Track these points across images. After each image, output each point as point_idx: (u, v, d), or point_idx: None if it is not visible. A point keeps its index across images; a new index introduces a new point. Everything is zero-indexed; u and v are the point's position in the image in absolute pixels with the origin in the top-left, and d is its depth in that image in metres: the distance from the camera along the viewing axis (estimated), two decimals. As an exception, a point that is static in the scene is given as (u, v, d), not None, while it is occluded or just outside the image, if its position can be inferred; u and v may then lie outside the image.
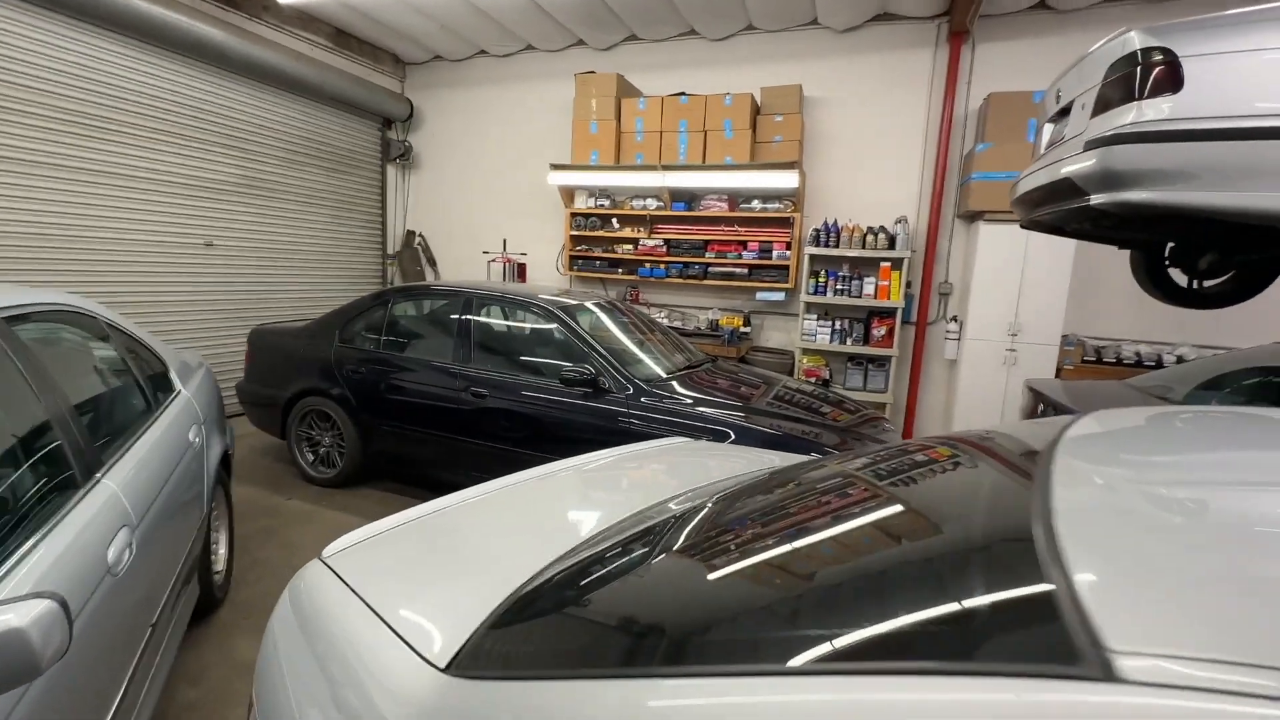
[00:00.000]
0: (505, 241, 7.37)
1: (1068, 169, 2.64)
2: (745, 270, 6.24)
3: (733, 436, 3.18)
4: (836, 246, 5.88)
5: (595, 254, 6.81)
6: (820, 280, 5.95)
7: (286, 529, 3.89)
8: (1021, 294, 5.30)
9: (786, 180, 5.74)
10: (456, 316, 4.21)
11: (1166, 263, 3.59)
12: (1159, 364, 5.21)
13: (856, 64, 6.02)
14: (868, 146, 6.08)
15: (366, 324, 4.51)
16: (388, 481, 4.66)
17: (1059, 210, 2.91)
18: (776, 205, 6.06)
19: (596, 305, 4.36)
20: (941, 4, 5.47)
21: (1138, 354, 5.35)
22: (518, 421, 3.71)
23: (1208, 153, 2.25)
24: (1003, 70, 5.56)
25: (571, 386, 3.49)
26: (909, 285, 5.84)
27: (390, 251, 8.20)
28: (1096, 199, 2.52)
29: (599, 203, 6.78)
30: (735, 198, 6.29)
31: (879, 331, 5.83)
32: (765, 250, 6.13)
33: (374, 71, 7.58)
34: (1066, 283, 5.18)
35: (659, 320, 6.09)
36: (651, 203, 6.54)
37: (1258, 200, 2.23)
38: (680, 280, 6.48)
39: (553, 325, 3.92)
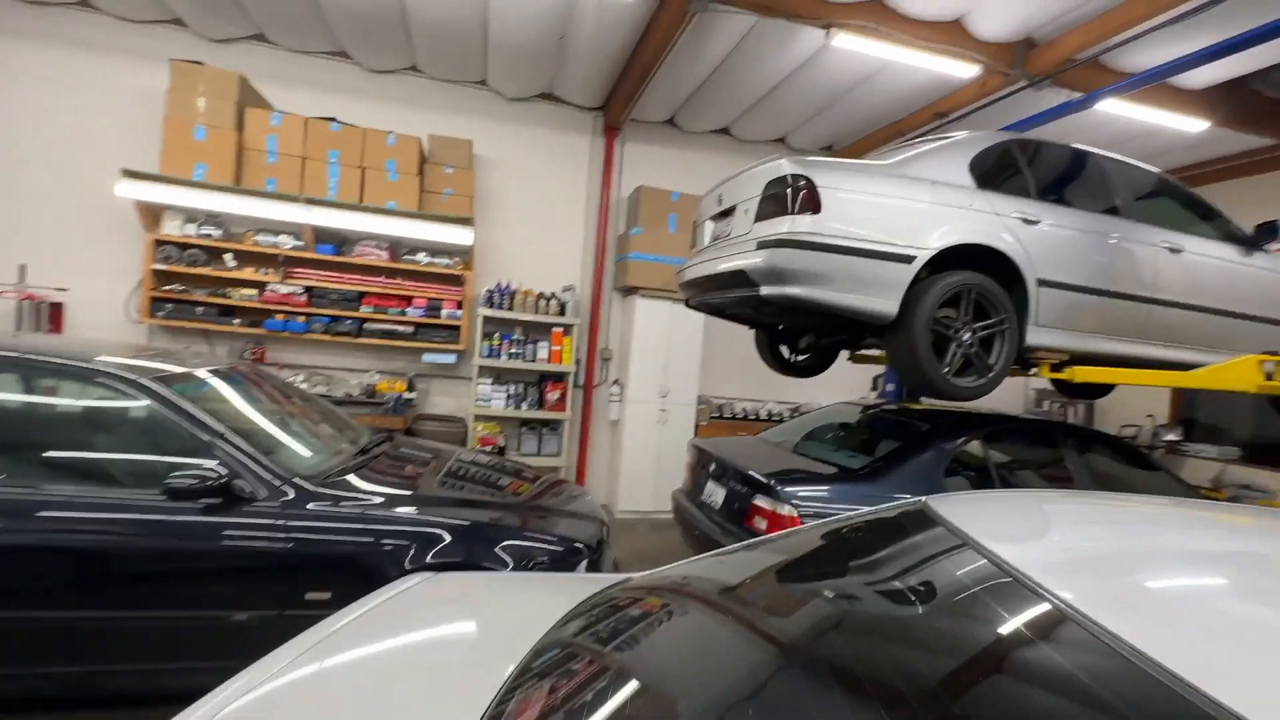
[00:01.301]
0: (24, 269, 4.93)
1: (742, 263, 3.04)
2: (411, 329, 5.55)
3: (447, 539, 2.57)
4: (510, 309, 5.75)
5: (196, 297, 5.11)
6: (494, 343, 5.71)
7: None
8: (669, 361, 6.07)
9: (462, 236, 5.39)
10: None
11: (779, 341, 4.55)
12: (758, 417, 6.61)
13: (527, 134, 6.16)
14: (538, 213, 6.23)
15: None
16: None
17: (730, 296, 3.34)
18: (446, 261, 5.62)
19: (213, 371, 3.12)
20: (598, 99, 6.06)
21: (744, 410, 6.69)
22: (76, 567, 2.27)
23: (838, 263, 2.86)
24: (648, 168, 6.46)
25: (185, 498, 2.32)
26: (577, 350, 6.09)
27: None
28: (765, 290, 2.95)
29: (204, 231, 5.15)
30: (397, 247, 5.60)
31: (553, 395, 5.88)
32: (434, 308, 5.59)
33: None
34: (699, 352, 6.17)
35: (299, 386, 4.85)
36: (286, 240, 5.30)
37: (863, 301, 2.93)
38: (327, 337, 5.36)
39: (137, 404, 2.60)
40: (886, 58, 4.51)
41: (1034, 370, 3.54)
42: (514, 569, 2.58)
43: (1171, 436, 6.41)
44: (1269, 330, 3.59)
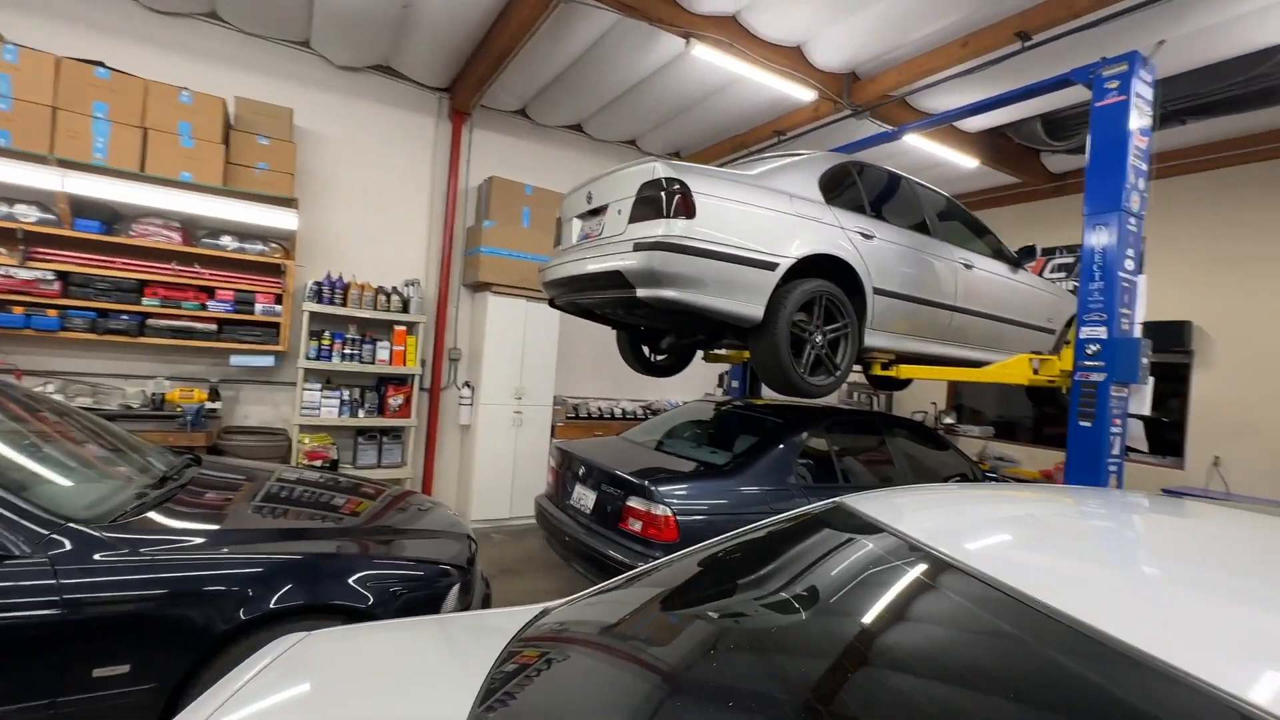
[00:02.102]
0: None
1: (617, 264, 2.99)
2: (214, 326, 4.67)
3: (284, 580, 2.15)
4: (344, 305, 5.12)
5: (-118, 282, 3.79)
6: (325, 343, 5.04)
7: None
8: (524, 360, 5.85)
9: (281, 219, 4.65)
10: None
11: (640, 342, 4.60)
12: (613, 416, 6.66)
13: (362, 109, 5.51)
14: (376, 199, 5.61)
15: None
16: None
17: (603, 297, 3.29)
18: (261, 248, 4.82)
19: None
20: (444, 79, 5.63)
21: (599, 409, 6.69)
22: None
23: (710, 267, 2.94)
24: (499, 158, 6.15)
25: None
26: (422, 351, 5.61)
27: None
28: (642, 292, 2.94)
29: (-106, 193, 3.84)
30: (193, 228, 4.68)
31: (396, 400, 5.35)
32: (245, 302, 4.76)
33: None
34: (555, 351, 6.03)
35: (54, 399, 3.83)
36: (30, 212, 4.15)
37: (733, 305, 3.06)
38: (92, 336, 4.30)
39: None
40: (738, 73, 4.78)
41: (866, 369, 3.99)
42: (375, 604, 2.27)
43: (949, 420, 7.70)
44: (1030, 334, 4.44)
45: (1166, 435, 6.18)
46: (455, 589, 2.51)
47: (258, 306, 4.77)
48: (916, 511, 1.29)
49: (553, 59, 5.02)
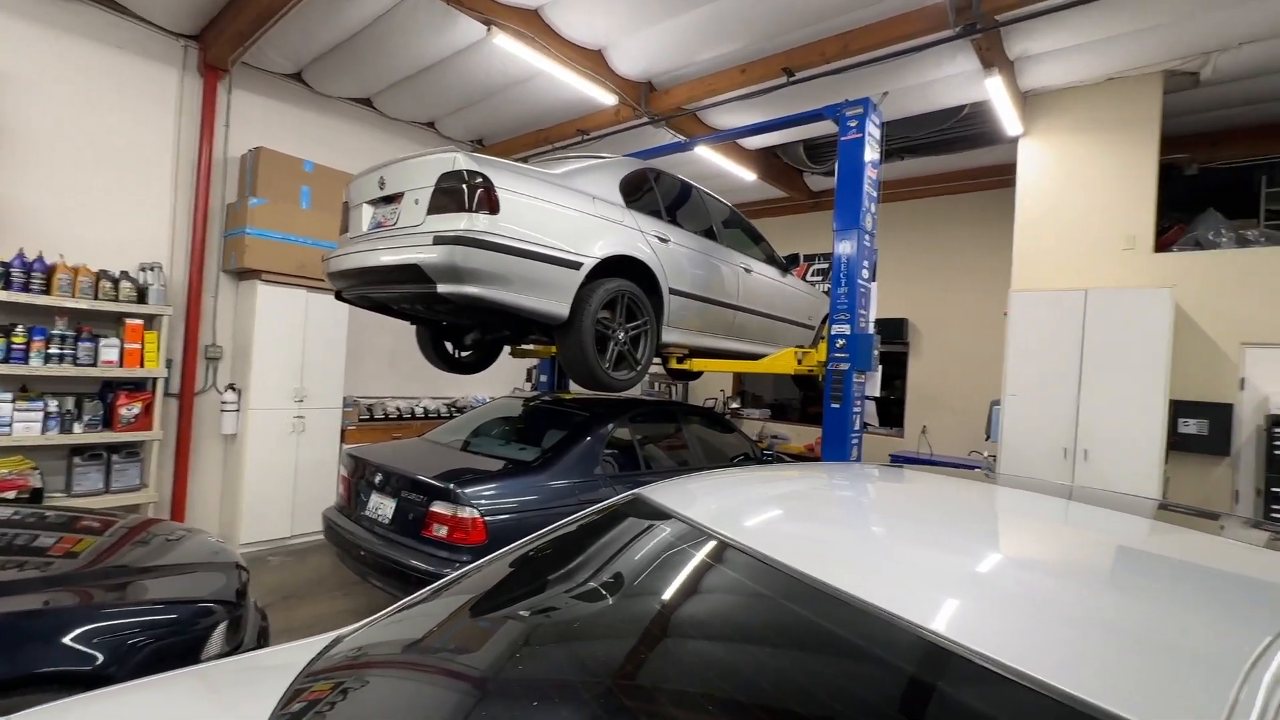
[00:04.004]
0: None
1: (416, 257, 2.83)
2: None
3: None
4: (46, 292, 4.06)
5: None
6: (16, 341, 3.94)
7: None
8: (305, 359, 5.20)
9: (-60, 178, 3.51)
10: None
11: (443, 338, 4.39)
12: (414, 415, 6.24)
13: (73, 46, 4.37)
14: (94, 164, 4.51)
15: None
16: None
17: (400, 291, 3.08)
18: (-94, 213, 3.60)
19: None
20: (191, 25, 4.72)
21: (398, 409, 6.23)
22: None
23: (516, 265, 2.92)
24: (270, 127, 5.34)
25: None
26: (168, 349, 4.68)
27: None
28: (444, 288, 2.82)
29: None
30: None
31: (130, 410, 4.39)
32: (-122, 285, 3.52)
33: None
34: (344, 348, 5.47)
35: None
36: None
37: (539, 303, 3.07)
38: None
39: None
40: (540, 67, 4.76)
41: (665, 363, 4.29)
42: (108, 664, 1.87)
43: (734, 405, 8.63)
44: (796, 330, 5.16)
45: (892, 410, 7.67)
46: (221, 628, 2.18)
47: (-99, 292, 3.56)
48: (701, 497, 1.45)
49: (334, 23, 4.51)
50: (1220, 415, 4.36)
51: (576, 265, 3.14)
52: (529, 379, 7.07)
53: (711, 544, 1.16)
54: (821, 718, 0.78)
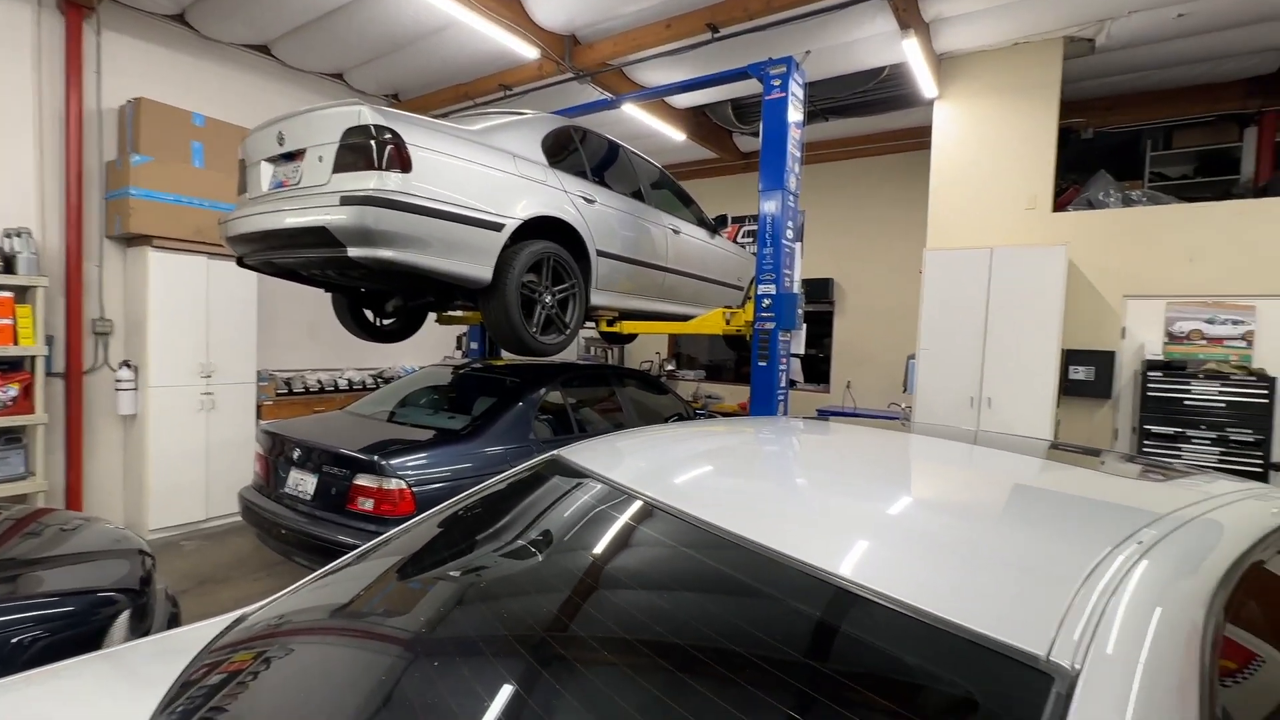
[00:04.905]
0: None
1: (323, 218, 2.66)
2: None
3: None
4: (-111, 262, 3.56)
5: None
6: None
7: None
8: (210, 332, 4.84)
9: None
10: None
11: (362, 305, 4.19)
12: (337, 388, 5.98)
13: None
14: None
15: None
16: None
17: (307, 256, 2.90)
18: None
19: None
20: (43, -46, 4.15)
21: (320, 381, 5.93)
22: None
23: (432, 226, 2.79)
24: (151, 75, 4.81)
25: None
26: (47, 324, 4.25)
27: None
28: (354, 252, 2.67)
29: None
30: None
31: (6, 392, 3.98)
32: None
33: None
34: (254, 319, 5.12)
35: None
36: None
37: (459, 266, 2.97)
38: None
39: None
40: (454, 15, 4.48)
41: (595, 325, 4.27)
42: (-11, 662, 1.73)
43: (670, 367, 8.74)
44: (726, 291, 5.23)
45: (820, 368, 7.98)
46: (124, 617, 2.05)
47: None
48: (617, 456, 1.46)
49: (218, -42, 4.07)
50: (1104, 362, 4.78)
51: (498, 227, 3.04)
52: (459, 346, 6.88)
53: (620, 497, 1.17)
54: (718, 652, 0.81)
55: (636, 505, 1.13)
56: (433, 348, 6.84)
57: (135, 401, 4.60)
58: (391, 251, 2.71)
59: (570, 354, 8.80)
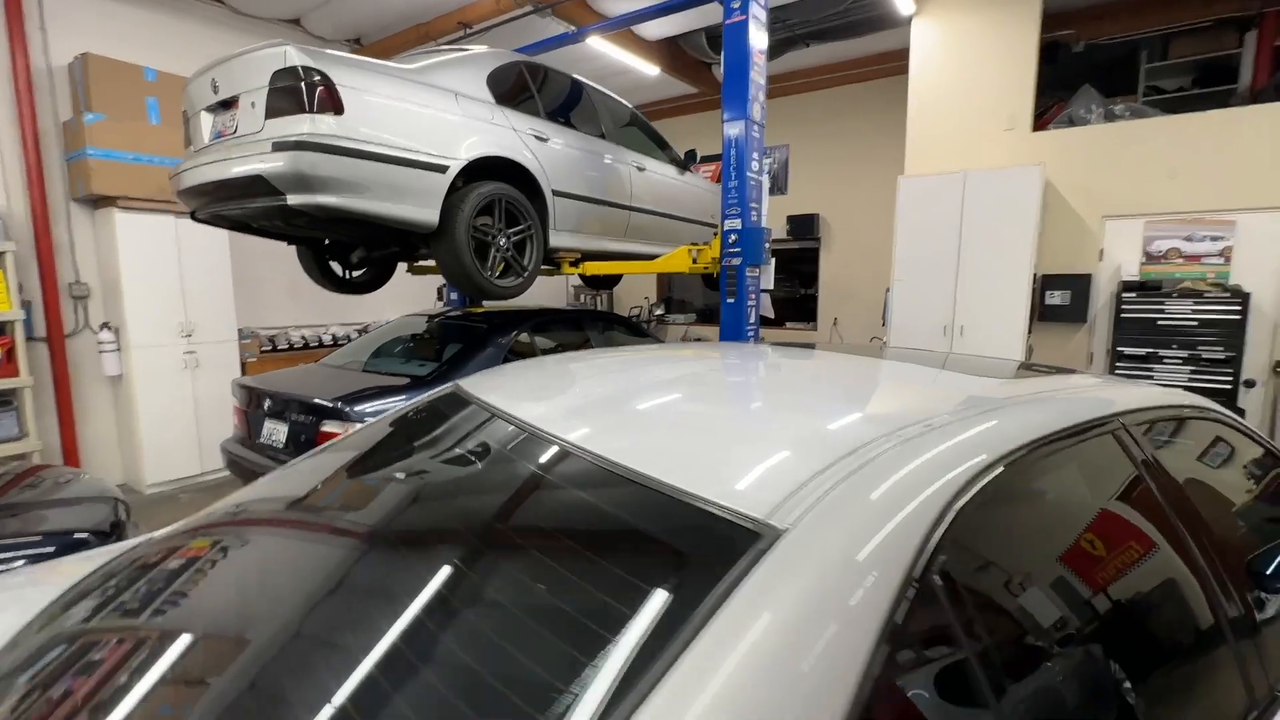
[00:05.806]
0: None
1: (260, 167, 2.64)
2: None
3: None
4: None
5: None
6: None
7: None
8: (186, 291, 4.89)
9: None
10: None
11: (327, 257, 4.19)
12: (321, 344, 6.05)
13: None
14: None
15: None
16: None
17: (251, 206, 2.89)
18: None
19: None
20: (-31, -98, 3.98)
21: (304, 338, 6.01)
22: None
23: (371, 170, 2.77)
24: (100, 29, 4.68)
25: None
26: (22, 289, 4.31)
27: None
28: (294, 199, 2.67)
29: None
30: None
31: (-11, 357, 4.08)
32: None
33: None
34: (229, 276, 5.15)
35: None
36: None
37: (403, 210, 2.95)
38: None
39: None
40: (401, -51, 4.29)
41: (558, 269, 4.25)
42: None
43: (660, 311, 8.72)
44: (695, 228, 5.16)
45: (808, 305, 7.93)
46: (93, 556, 2.19)
47: None
48: (509, 387, 1.50)
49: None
50: (1081, 285, 4.73)
51: (441, 169, 3.00)
52: (440, 297, 6.89)
53: (511, 430, 1.20)
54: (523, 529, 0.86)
55: (504, 424, 1.18)
56: (416, 299, 6.86)
57: (119, 362, 4.70)
58: (331, 197, 2.70)
59: (560, 302, 8.79)
